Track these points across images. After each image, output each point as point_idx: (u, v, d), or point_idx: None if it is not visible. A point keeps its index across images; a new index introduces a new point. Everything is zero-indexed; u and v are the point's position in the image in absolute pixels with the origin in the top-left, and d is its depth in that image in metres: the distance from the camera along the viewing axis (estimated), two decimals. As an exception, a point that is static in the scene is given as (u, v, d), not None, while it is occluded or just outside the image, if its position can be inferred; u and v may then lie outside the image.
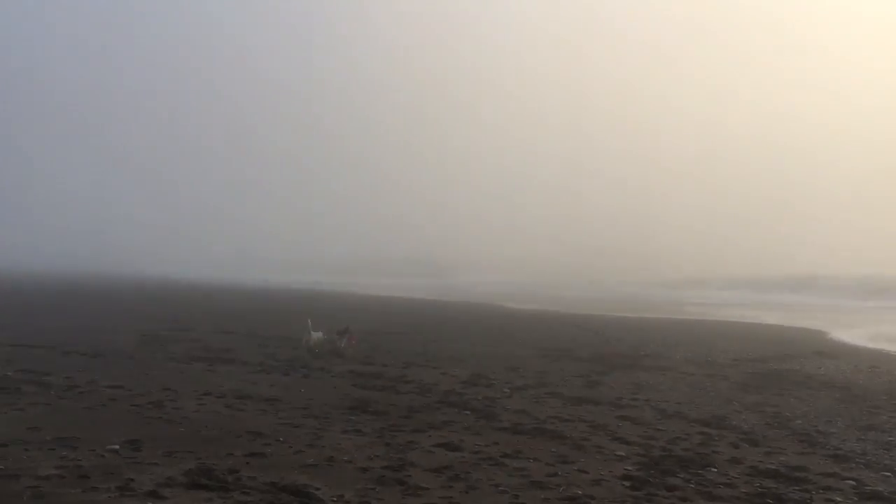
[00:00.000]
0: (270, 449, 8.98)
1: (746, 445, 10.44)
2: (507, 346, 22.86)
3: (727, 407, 13.52)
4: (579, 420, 11.70)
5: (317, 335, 18.78)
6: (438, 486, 7.76)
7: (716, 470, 8.94)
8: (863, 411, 13.51)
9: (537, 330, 30.05)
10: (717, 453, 9.82)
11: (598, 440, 10.31)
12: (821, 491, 8.28)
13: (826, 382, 16.88)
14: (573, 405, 13.06)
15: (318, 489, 7.43)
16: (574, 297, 70.24)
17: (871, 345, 26.73)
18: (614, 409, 12.80)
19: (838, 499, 8.01)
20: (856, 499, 8.08)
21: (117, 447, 8.63)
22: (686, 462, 9.22)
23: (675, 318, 40.47)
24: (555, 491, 7.80)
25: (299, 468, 8.20)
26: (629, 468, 8.83)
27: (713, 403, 13.83)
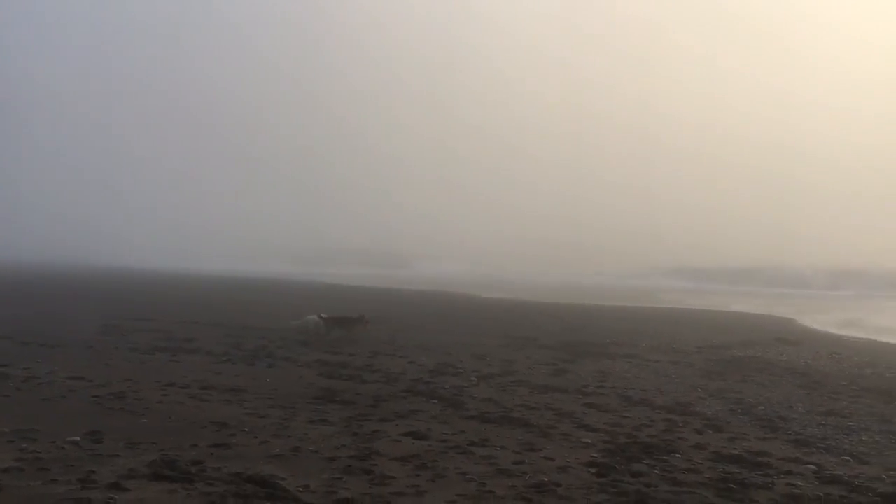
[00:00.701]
0: (235, 439, 8.88)
1: (710, 431, 10.58)
2: (474, 334, 22.90)
3: (691, 394, 13.70)
4: (546, 408, 11.76)
5: (311, 318, 20.36)
6: (405, 475, 7.74)
7: (680, 456, 9.05)
8: (823, 397, 13.78)
9: (504, 318, 30.15)
10: (682, 439, 9.94)
11: (565, 428, 10.37)
12: (782, 476, 8.41)
13: (788, 369, 17.19)
14: (540, 393, 13.13)
15: (283, 479, 7.35)
16: (541, 286, 70.62)
17: (834, 331, 27.31)
18: (580, 397, 12.89)
19: (800, 483, 8.14)
20: (816, 483, 8.22)
21: (78, 439, 8.46)
22: (651, 448, 9.31)
23: (641, 307, 40.88)
24: (521, 478, 7.82)
25: (265, 458, 8.12)
26: (595, 455, 8.89)
27: (678, 390, 14.00)
